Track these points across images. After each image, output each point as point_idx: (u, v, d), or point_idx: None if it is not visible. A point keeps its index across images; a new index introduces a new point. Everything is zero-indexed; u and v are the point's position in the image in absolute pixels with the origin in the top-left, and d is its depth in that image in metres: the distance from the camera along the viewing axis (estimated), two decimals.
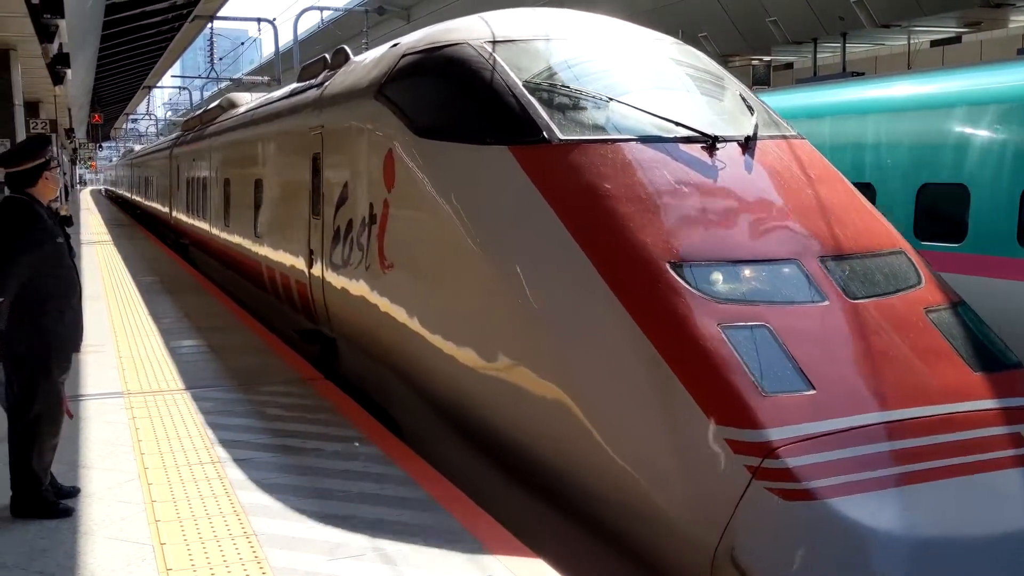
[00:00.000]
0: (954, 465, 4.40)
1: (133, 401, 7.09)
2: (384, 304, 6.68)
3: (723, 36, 25.11)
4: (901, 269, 5.52)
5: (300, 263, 8.97)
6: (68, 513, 4.84)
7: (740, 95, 6.61)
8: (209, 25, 33.31)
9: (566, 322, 5.07)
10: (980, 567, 4.18)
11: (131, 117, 78.43)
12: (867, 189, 9.61)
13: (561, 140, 5.67)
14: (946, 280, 5.89)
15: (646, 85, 6.29)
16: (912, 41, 25.94)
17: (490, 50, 6.36)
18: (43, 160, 4.98)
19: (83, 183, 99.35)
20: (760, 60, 23.34)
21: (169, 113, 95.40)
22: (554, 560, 4.34)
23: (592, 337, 4.93)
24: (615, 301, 4.90)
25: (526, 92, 5.97)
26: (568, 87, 6.05)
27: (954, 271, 8.25)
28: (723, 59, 20.92)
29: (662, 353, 4.65)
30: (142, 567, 4.23)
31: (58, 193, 5.25)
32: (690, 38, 17.05)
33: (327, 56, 9.96)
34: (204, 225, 16.15)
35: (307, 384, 7.57)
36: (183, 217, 19.54)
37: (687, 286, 4.86)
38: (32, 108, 28.03)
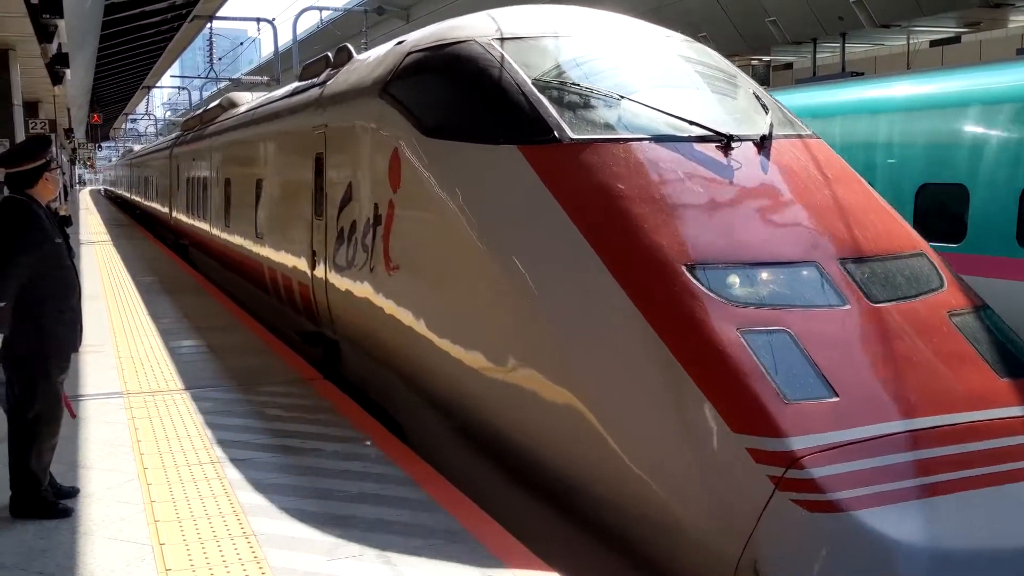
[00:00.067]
0: (982, 475, 4.27)
1: (132, 401, 7.09)
2: (389, 306, 6.56)
3: (722, 36, 25.10)
4: (923, 272, 5.38)
5: (302, 264, 8.85)
6: (67, 513, 4.84)
7: (753, 93, 6.48)
8: (208, 25, 33.33)
9: (579, 326, 4.93)
10: None
11: (130, 117, 78.40)
12: None
13: (572, 139, 5.54)
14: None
15: (657, 83, 6.17)
16: (911, 41, 25.95)
17: (498, 47, 6.23)
18: (43, 161, 4.99)
19: (82, 183, 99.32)
20: (759, 60, 23.33)
21: (168, 113, 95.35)
22: (563, 568, 4.29)
23: (606, 341, 4.81)
24: (630, 305, 4.77)
25: (535, 90, 5.84)
26: (578, 85, 5.92)
27: None
28: None
29: (679, 358, 4.51)
30: (141, 567, 4.23)
31: (58, 193, 5.25)
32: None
33: (329, 54, 9.83)
34: (204, 225, 16.05)
35: (307, 384, 7.57)
36: (183, 217, 19.47)
37: (704, 289, 4.72)
38: (31, 108, 28.02)
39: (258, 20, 35.35)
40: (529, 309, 5.16)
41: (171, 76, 62.50)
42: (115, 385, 7.61)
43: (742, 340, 4.51)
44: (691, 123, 5.64)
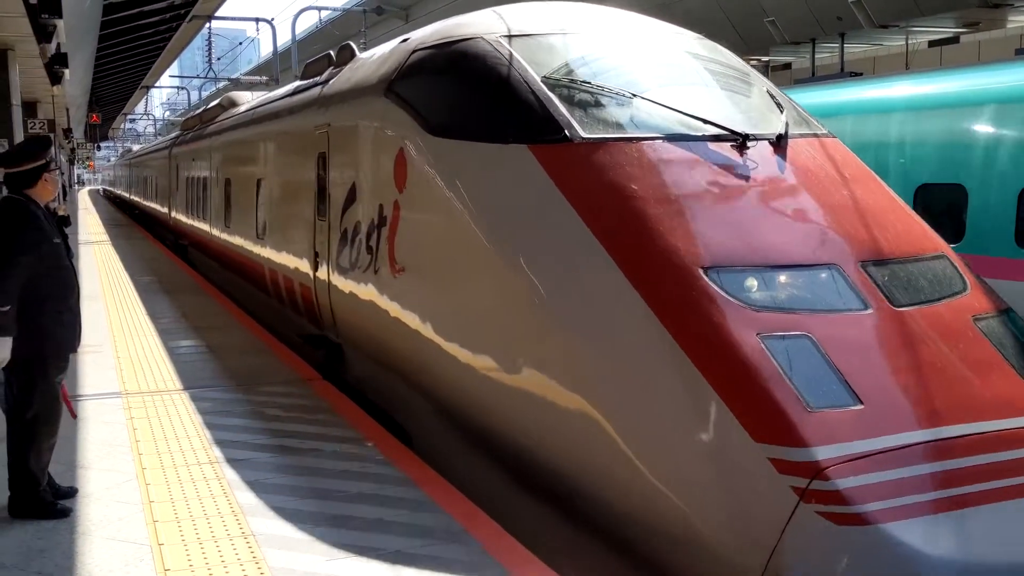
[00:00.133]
0: (1014, 486, 4.14)
1: (131, 401, 7.08)
2: (394, 309, 6.43)
3: (721, 36, 25.05)
4: (945, 274, 5.25)
5: (304, 266, 8.73)
6: (66, 513, 4.84)
7: (767, 91, 6.34)
8: (207, 25, 33.33)
9: (593, 331, 4.78)
10: None
11: (129, 117, 78.42)
12: None
13: (584, 138, 5.40)
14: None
15: (669, 81, 6.03)
16: (910, 41, 25.95)
17: (506, 45, 6.09)
18: (43, 162, 4.99)
19: (81, 183, 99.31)
20: (758, 60, 23.35)
21: (167, 113, 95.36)
22: (563, 569, 4.26)
23: (621, 347, 4.66)
24: (646, 309, 4.62)
25: (545, 88, 5.69)
26: (589, 83, 5.77)
27: None
28: None
29: (698, 364, 4.36)
30: (140, 567, 4.23)
31: (57, 194, 5.25)
32: None
33: (332, 53, 9.67)
34: (204, 226, 15.95)
35: (306, 384, 7.57)
36: (182, 218, 19.40)
37: (722, 293, 4.57)
38: (30, 108, 28.01)
39: (257, 20, 35.38)
40: (539, 313, 5.02)
41: (170, 76, 62.56)
42: (113, 385, 7.61)
43: (762, 345, 4.37)
44: (705, 122, 5.49)
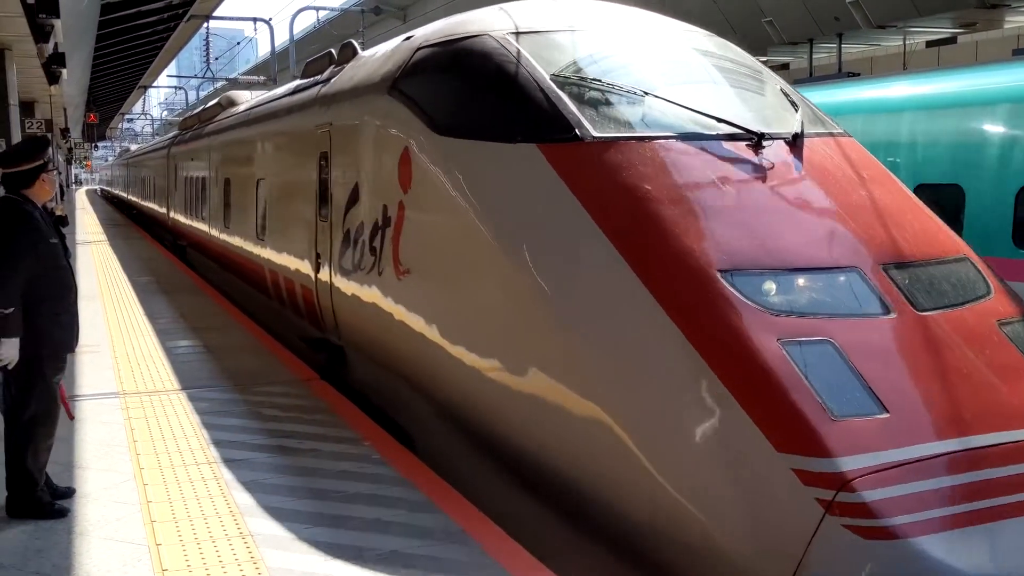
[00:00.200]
0: None
1: (129, 401, 7.08)
2: (399, 312, 6.29)
3: (719, 36, 25.07)
4: (968, 278, 5.11)
5: (305, 267, 8.59)
6: (63, 514, 4.84)
7: (781, 89, 6.21)
8: (205, 25, 33.29)
9: (606, 336, 4.62)
10: None
11: (127, 117, 78.38)
12: None
13: (595, 137, 5.24)
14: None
15: (681, 79, 5.88)
16: (908, 42, 25.96)
17: (514, 42, 5.95)
18: (41, 162, 4.99)
19: (79, 183, 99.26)
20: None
21: (165, 113, 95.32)
22: (562, 570, 4.24)
23: (636, 353, 4.51)
24: (662, 313, 4.46)
25: (554, 86, 5.55)
26: (599, 81, 5.62)
27: None
28: None
29: (717, 371, 4.22)
30: (138, 568, 4.23)
31: (54, 194, 5.25)
32: None
33: (333, 51, 9.53)
34: (203, 226, 15.82)
35: (303, 384, 7.56)
36: (181, 218, 19.30)
37: (741, 297, 4.42)
38: (27, 108, 27.98)
39: (255, 20, 35.35)
40: (550, 317, 4.87)
41: (167, 76, 62.56)
42: (111, 385, 7.61)
43: (783, 351, 4.22)
44: (719, 120, 5.35)
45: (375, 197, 6.90)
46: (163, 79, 64.32)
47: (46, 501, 4.89)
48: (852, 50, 27.51)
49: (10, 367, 4.71)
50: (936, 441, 4.08)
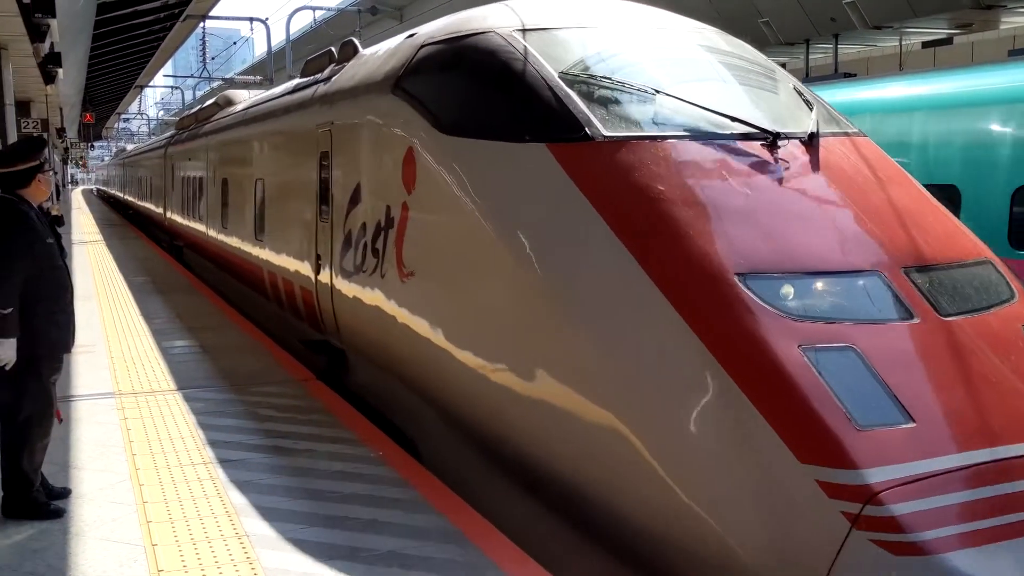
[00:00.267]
0: None
1: (124, 402, 7.07)
2: (402, 315, 6.14)
3: None
4: (991, 281, 4.97)
5: (306, 269, 8.45)
6: (59, 514, 4.83)
7: (794, 88, 6.09)
8: (201, 25, 33.24)
9: (620, 341, 4.47)
10: None
11: (123, 117, 78.31)
12: None
13: (606, 137, 5.11)
14: None
15: (692, 77, 5.74)
16: (904, 42, 26.00)
17: (520, 39, 5.83)
18: (37, 163, 4.98)
19: (75, 182, 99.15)
20: None
21: (161, 112, 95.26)
22: (560, 571, 4.21)
23: (651, 359, 4.36)
24: (677, 318, 4.31)
25: (563, 84, 5.42)
26: (609, 79, 5.48)
27: None
28: None
29: (736, 378, 4.07)
30: (134, 568, 4.22)
31: (50, 194, 5.24)
32: None
33: (333, 49, 9.35)
34: (200, 227, 15.71)
35: (299, 385, 7.56)
36: (178, 218, 19.22)
37: (760, 301, 4.28)
38: (23, 107, 27.96)
39: (251, 20, 35.30)
40: (561, 322, 4.72)
41: (164, 76, 62.40)
42: (107, 385, 7.60)
43: (805, 358, 4.08)
44: (733, 119, 5.21)
45: (378, 197, 6.78)
46: (159, 79, 64.22)
47: (42, 501, 4.88)
48: (848, 51, 27.56)
49: (7, 368, 4.71)
50: (965, 452, 3.95)
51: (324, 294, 7.88)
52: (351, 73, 8.12)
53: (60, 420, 5.08)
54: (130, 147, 55.81)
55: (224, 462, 5.62)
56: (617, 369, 4.44)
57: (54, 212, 15.53)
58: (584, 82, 5.49)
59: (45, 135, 27.14)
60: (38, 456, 4.91)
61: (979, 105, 9.19)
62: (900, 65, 24.95)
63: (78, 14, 18.80)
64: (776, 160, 5.08)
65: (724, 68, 5.99)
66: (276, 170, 10.35)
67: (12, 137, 20.04)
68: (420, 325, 5.92)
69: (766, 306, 4.28)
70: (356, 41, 8.94)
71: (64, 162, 62.48)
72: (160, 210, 23.21)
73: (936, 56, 25.20)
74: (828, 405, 3.95)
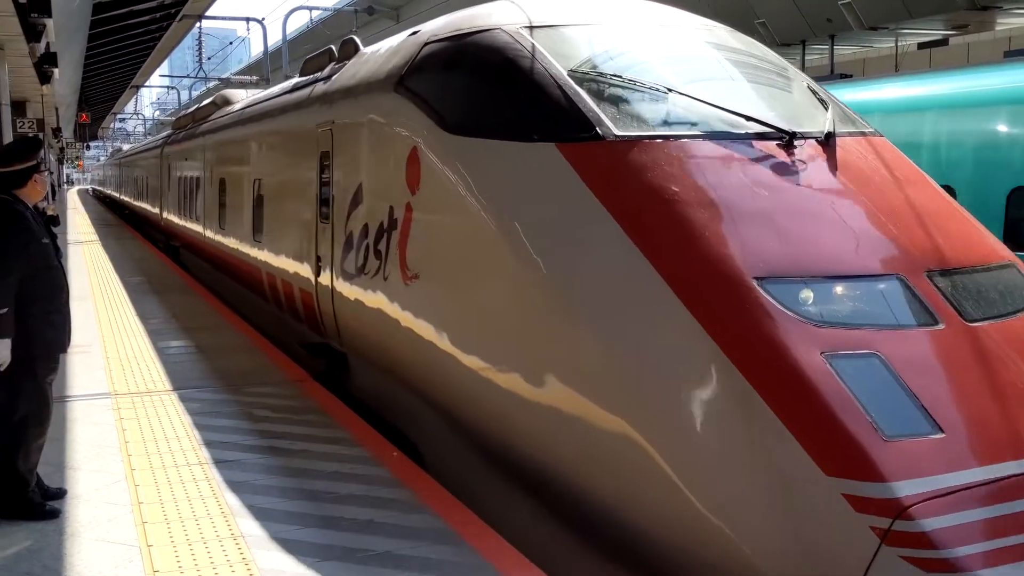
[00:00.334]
0: None
1: (120, 402, 7.06)
2: (406, 318, 6.00)
3: None
4: (1017, 285, 4.83)
5: (306, 270, 8.31)
6: (55, 515, 4.82)
7: (808, 87, 5.96)
8: (197, 24, 33.25)
9: (633, 347, 4.32)
10: None
11: (119, 117, 78.24)
12: None
13: (617, 136, 4.97)
14: None
15: (704, 75, 5.61)
16: (900, 44, 26.05)
17: (528, 36, 5.68)
18: (33, 163, 4.97)
19: (70, 182, 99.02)
20: None
21: (157, 112, 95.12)
22: (558, 572, 4.18)
23: (666, 365, 4.21)
24: (694, 323, 4.17)
25: (572, 83, 5.28)
26: (619, 77, 5.35)
27: None
28: None
29: (757, 387, 3.92)
30: (129, 569, 4.22)
31: (46, 194, 5.24)
32: None
33: (333, 47, 9.24)
34: (197, 227, 15.60)
35: (295, 385, 7.56)
36: (175, 219, 19.14)
37: (780, 307, 4.13)
38: (19, 107, 27.91)
39: (247, 20, 35.31)
40: (573, 326, 4.57)
41: (160, 76, 62.37)
42: (103, 386, 7.59)
43: (828, 366, 3.94)
44: (748, 119, 5.07)
45: (380, 198, 6.63)
46: (155, 79, 64.09)
47: (37, 502, 4.88)
48: (844, 52, 27.61)
49: (3, 368, 4.70)
50: (996, 463, 3.83)
51: (325, 296, 7.77)
52: (352, 72, 8.02)
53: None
54: (126, 147, 55.76)
55: (220, 463, 5.61)
56: (630, 375, 4.29)
57: (50, 212, 15.46)
58: (594, 80, 5.36)
59: (41, 135, 27.13)
60: (33, 457, 4.90)
61: (975, 106, 9.21)
62: (896, 66, 24.98)
63: (74, 14, 18.78)
64: (793, 160, 4.94)
65: (736, 66, 5.86)
66: (275, 170, 10.22)
67: (8, 137, 20.01)
68: (424, 328, 5.80)
69: (786, 311, 4.13)
70: (357, 39, 8.83)
71: (60, 162, 62.39)
72: (156, 210, 23.17)
73: (932, 57, 25.25)
74: (854, 415, 3.81)
